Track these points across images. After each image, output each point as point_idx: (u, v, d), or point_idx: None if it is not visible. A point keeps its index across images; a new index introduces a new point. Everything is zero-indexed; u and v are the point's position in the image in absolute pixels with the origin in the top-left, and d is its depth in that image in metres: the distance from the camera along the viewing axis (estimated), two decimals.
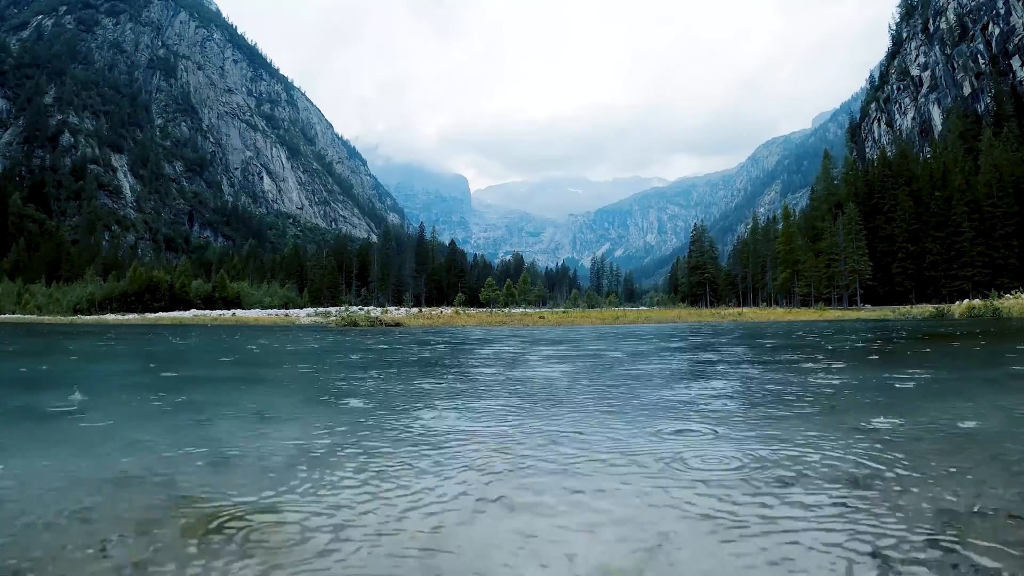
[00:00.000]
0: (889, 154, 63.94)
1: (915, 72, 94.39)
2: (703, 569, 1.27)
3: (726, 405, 3.49)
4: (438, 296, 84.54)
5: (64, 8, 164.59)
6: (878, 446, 2.38)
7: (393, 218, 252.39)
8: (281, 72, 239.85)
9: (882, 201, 56.14)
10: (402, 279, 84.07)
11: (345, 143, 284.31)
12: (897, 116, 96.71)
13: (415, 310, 42.14)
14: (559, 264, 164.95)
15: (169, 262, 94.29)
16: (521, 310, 46.39)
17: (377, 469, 2.12)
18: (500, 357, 7.48)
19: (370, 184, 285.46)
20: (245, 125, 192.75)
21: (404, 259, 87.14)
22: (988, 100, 76.97)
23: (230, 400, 4.08)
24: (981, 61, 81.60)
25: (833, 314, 30.77)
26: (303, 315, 34.94)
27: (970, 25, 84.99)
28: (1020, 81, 75.37)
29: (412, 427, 2.91)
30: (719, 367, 5.88)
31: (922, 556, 1.30)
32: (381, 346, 10.29)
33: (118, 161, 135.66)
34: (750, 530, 1.47)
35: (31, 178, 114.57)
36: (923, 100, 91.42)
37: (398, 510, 1.65)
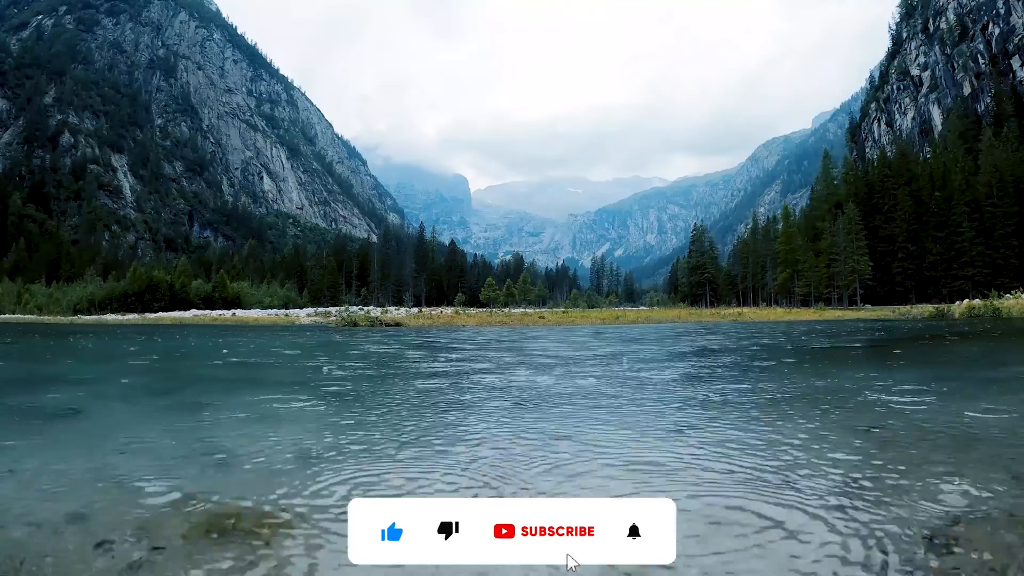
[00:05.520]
0: (889, 154, 63.87)
1: (915, 72, 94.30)
2: (704, 566, 1.26)
3: (727, 403, 3.49)
4: (438, 296, 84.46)
5: (64, 8, 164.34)
6: (879, 445, 2.39)
7: (393, 218, 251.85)
8: (281, 72, 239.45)
9: (882, 201, 56.08)
10: (402, 279, 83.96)
11: (345, 143, 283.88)
12: (897, 116, 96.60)
13: (415, 310, 42.15)
14: (559, 264, 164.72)
15: (169, 262, 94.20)
16: (521, 310, 46.39)
17: (378, 470, 2.12)
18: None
19: (370, 184, 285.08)
20: (245, 125, 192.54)
21: (404, 259, 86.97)
22: (988, 100, 76.84)
23: (230, 400, 4.08)
24: (981, 61, 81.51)
25: (833, 314, 30.79)
26: (303, 315, 34.98)
27: (970, 25, 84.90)
28: (1020, 81, 75.27)
29: (412, 428, 2.92)
30: (720, 368, 5.88)
31: (922, 555, 1.29)
32: (382, 346, 10.28)
33: (118, 161, 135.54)
34: (749, 528, 1.46)
35: (31, 178, 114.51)
36: (923, 100, 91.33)
37: None
